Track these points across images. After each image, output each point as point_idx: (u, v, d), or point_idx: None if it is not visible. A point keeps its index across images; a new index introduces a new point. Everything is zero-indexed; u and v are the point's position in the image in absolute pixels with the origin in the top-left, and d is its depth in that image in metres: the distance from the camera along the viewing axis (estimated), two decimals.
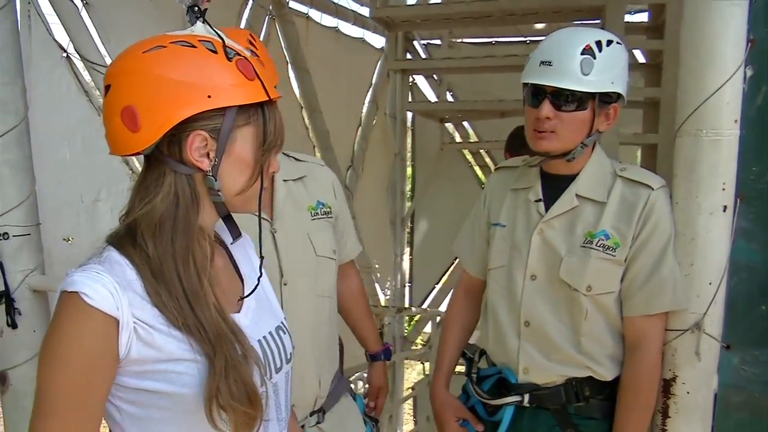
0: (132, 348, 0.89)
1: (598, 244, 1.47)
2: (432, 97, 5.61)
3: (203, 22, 0.94)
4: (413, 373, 6.98)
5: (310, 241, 1.63)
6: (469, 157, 5.67)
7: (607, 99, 1.46)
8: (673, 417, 1.52)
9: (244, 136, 0.94)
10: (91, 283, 0.87)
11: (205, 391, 0.89)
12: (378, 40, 5.30)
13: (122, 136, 0.91)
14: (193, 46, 0.91)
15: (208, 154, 0.93)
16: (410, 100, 5.48)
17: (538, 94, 1.46)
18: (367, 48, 5.19)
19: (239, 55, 0.93)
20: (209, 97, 0.89)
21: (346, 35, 4.89)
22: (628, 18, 4.34)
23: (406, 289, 5.65)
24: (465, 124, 5.63)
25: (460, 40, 5.28)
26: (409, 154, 5.72)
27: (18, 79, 2.10)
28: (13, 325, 2.07)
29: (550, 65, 1.42)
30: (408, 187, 5.90)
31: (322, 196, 1.71)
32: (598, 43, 1.42)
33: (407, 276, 5.69)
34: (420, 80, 5.58)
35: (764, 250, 1.48)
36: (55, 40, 2.55)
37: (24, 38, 2.33)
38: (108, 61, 2.63)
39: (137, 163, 2.92)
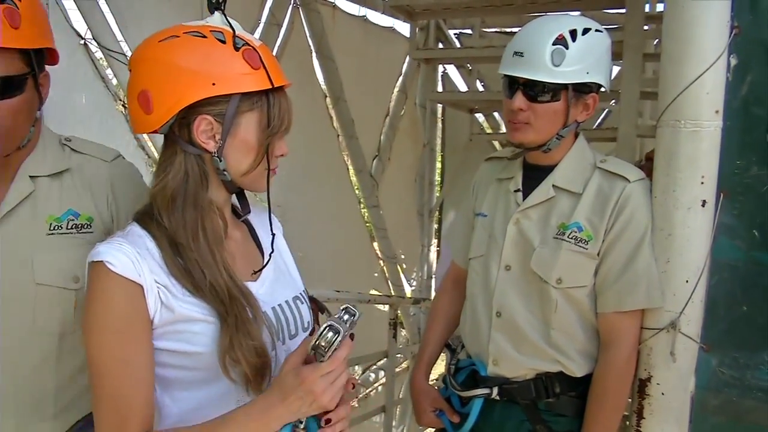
0: (158, 310, 0.97)
1: (569, 236, 1.43)
2: (463, 87, 5.54)
3: (221, 13, 1.01)
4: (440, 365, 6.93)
5: (30, 264, 1.19)
6: (498, 148, 5.59)
7: (583, 89, 1.42)
8: (647, 418, 1.47)
9: (248, 121, 1.00)
10: (114, 252, 0.96)
11: (218, 346, 0.96)
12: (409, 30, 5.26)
13: (139, 117, 1.01)
14: (204, 37, 0.98)
15: (214, 137, 0.99)
16: (441, 90, 5.42)
17: (512, 85, 1.43)
18: (397, 37, 5.16)
19: (248, 45, 0.99)
20: (214, 84, 0.96)
21: (374, 24, 4.88)
22: (661, 7, 4.18)
23: (432, 281, 5.63)
24: (495, 114, 5.54)
25: (492, 30, 5.18)
26: (438, 145, 5.67)
27: None
28: None
29: (522, 56, 1.39)
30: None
31: (81, 202, 1.25)
32: (573, 33, 1.37)
33: (434, 267, 5.66)
34: (451, 70, 5.51)
35: (748, 247, 1.41)
36: (73, 28, 2.64)
37: None
38: (125, 48, 2.71)
39: (153, 149, 3.01)
